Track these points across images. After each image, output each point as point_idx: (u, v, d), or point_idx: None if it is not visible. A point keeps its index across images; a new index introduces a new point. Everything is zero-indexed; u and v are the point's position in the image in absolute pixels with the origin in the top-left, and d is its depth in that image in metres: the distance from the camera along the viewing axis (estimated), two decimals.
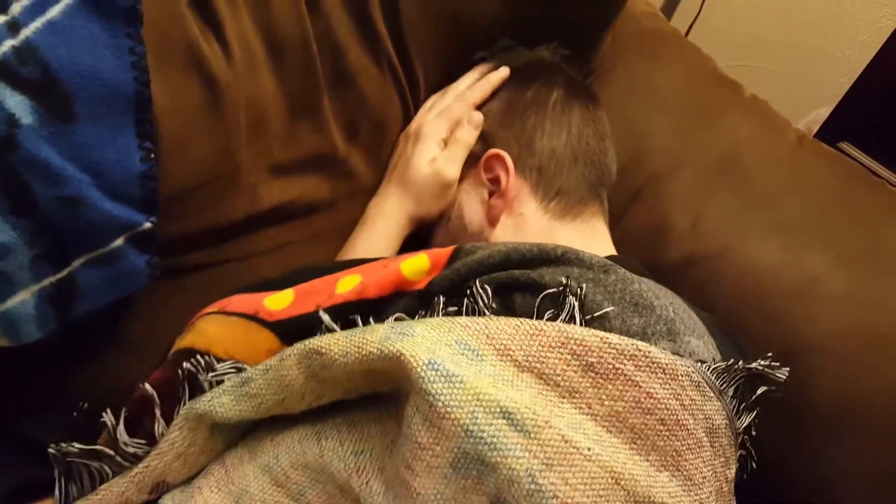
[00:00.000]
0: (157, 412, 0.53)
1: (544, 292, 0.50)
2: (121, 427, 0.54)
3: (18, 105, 0.52)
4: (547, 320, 0.49)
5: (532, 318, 0.49)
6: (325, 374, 0.48)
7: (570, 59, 0.80)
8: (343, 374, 0.47)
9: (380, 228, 0.74)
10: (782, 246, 0.80)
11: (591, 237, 0.72)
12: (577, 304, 0.49)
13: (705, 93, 0.92)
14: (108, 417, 0.54)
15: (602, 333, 0.48)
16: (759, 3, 1.40)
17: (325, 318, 0.52)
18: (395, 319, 0.52)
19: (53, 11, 0.53)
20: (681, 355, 0.50)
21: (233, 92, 0.63)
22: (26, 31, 0.52)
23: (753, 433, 0.59)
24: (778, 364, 0.54)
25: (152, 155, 0.59)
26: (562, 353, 0.47)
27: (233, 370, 0.52)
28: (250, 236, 0.70)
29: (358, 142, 0.75)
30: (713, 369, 0.51)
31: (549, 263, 0.53)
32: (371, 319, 0.52)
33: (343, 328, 0.52)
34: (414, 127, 0.76)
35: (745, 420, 0.54)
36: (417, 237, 0.77)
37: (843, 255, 0.78)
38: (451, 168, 0.72)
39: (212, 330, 0.56)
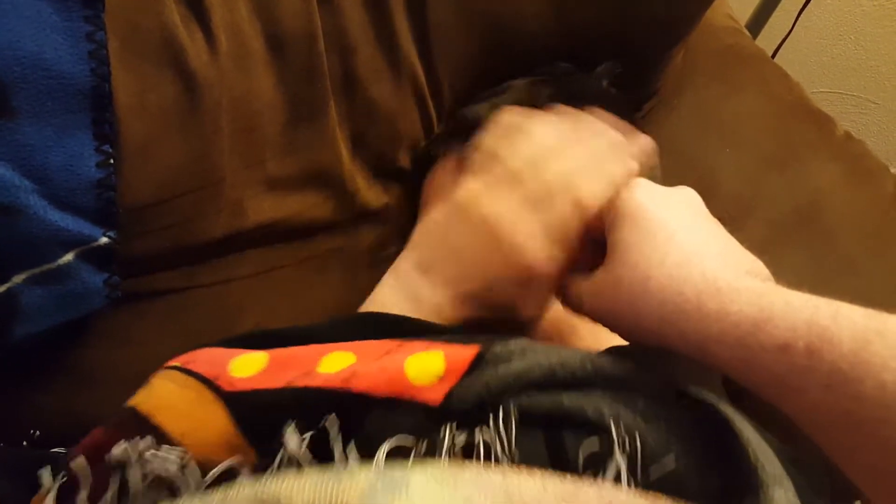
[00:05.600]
0: (84, 493, 0.43)
1: (587, 440, 0.38)
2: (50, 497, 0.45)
3: None
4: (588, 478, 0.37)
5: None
6: None
7: (627, 82, 0.67)
8: None
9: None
10: None
11: None
12: (623, 462, 0.37)
13: (788, 128, 0.79)
14: (45, 478, 0.45)
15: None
16: (861, 23, 1.23)
17: (291, 442, 0.39)
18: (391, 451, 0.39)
19: None
20: None
21: (215, 91, 0.54)
22: None
23: None
24: None
25: (111, 160, 0.50)
26: None
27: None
28: (229, 258, 0.61)
29: (365, 156, 0.65)
30: None
31: (606, 386, 0.41)
32: (345, 440, 0.40)
33: (309, 427, 0.40)
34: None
35: None
36: None
37: None
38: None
39: (163, 390, 0.46)
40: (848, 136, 0.81)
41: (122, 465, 0.41)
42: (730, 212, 0.73)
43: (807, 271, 0.70)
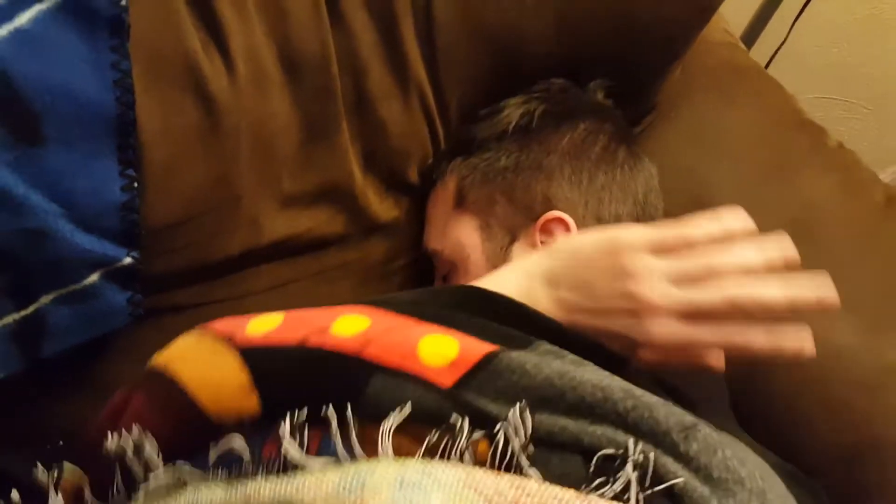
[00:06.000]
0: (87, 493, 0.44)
1: (600, 452, 0.39)
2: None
3: None
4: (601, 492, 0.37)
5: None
6: None
7: (625, 97, 0.70)
8: None
9: None
10: (854, 326, 0.69)
11: None
12: (634, 476, 0.38)
13: (783, 140, 0.81)
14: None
15: None
16: (854, 30, 1.26)
17: (292, 449, 0.39)
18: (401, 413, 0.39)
19: (23, 18, 0.46)
20: None
21: (234, 114, 0.56)
22: None
23: None
24: None
25: (135, 184, 0.52)
26: None
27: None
28: (245, 273, 0.63)
29: (376, 173, 0.67)
30: None
31: (615, 422, 0.41)
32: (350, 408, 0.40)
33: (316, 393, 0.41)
34: None
35: None
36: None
37: None
38: None
39: (179, 343, 0.47)
40: (840, 146, 0.83)
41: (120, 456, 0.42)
42: None
43: None
